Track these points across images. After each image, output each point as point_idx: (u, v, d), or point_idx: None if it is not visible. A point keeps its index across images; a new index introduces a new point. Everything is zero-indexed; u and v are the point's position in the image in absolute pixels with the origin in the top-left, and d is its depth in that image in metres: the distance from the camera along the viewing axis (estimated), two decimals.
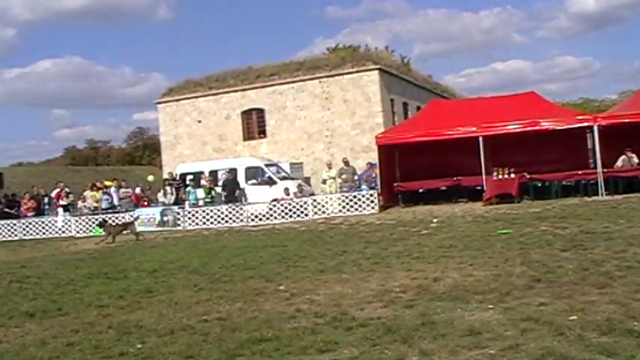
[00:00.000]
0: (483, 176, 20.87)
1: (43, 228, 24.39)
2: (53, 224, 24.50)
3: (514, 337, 5.63)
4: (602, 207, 16.93)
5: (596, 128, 20.47)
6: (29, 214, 25.57)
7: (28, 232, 24.36)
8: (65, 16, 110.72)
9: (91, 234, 22.39)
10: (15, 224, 24.75)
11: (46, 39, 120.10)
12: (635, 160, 20.66)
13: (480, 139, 20.90)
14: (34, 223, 24.66)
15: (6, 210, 26.22)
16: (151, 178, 28.34)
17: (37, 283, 11.97)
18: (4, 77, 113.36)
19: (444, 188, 22.22)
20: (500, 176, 20.78)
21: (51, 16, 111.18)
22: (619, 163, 20.83)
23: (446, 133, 21.71)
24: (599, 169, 20.35)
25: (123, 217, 22.63)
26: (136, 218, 21.57)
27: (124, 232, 19.63)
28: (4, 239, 24.07)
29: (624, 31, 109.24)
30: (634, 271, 8.04)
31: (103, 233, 19.62)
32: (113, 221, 21.47)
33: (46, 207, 26.37)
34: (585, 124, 21.02)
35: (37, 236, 23.91)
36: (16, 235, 24.24)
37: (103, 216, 22.73)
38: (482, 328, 5.98)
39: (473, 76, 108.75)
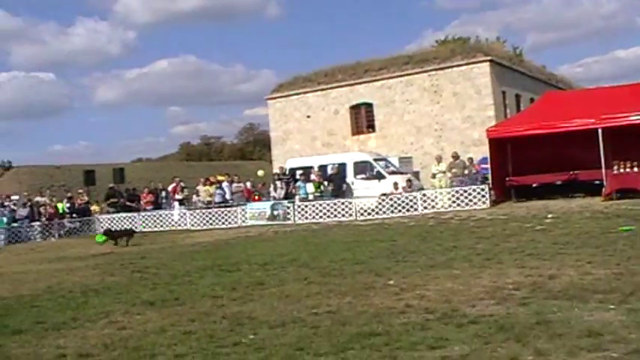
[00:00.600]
0: (603, 170, 19.90)
1: (161, 221, 25.52)
2: (170, 217, 25.57)
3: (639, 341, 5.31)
4: None
5: None
6: (148, 208, 26.78)
7: (147, 224, 25.56)
8: (180, 17, 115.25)
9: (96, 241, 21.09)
10: (135, 217, 26.02)
11: (162, 40, 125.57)
12: None
13: (599, 130, 19.90)
14: (152, 216, 25.84)
15: (127, 203, 27.62)
16: (260, 172, 28.95)
17: (156, 273, 12.52)
18: (125, 78, 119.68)
19: (559, 183, 21.36)
20: (621, 170, 19.75)
21: (167, 18, 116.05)
22: None
23: (561, 126, 20.83)
24: None
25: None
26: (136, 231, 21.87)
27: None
28: None
29: None
30: None
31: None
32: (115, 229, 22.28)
33: (164, 201, 27.51)
34: None
35: (155, 228, 25.02)
36: (136, 227, 25.46)
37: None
38: (603, 330, 5.68)
39: (591, 65, 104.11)
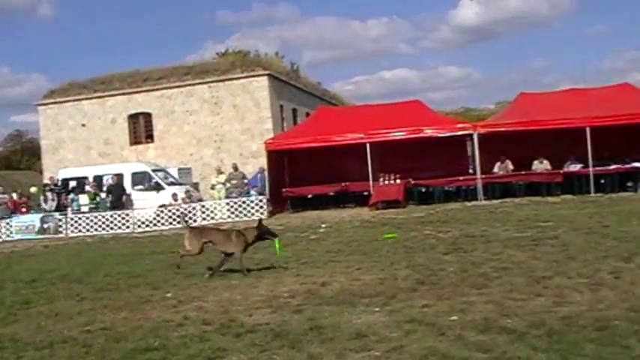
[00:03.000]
0: (370, 182, 21.35)
1: None
2: None
3: (398, 339, 5.78)
4: (480, 211, 17.75)
5: (475, 136, 21.42)
6: None
7: None
8: None
9: None
10: None
11: None
12: (510, 166, 21.79)
13: (367, 145, 21.38)
14: None
15: None
16: (33, 189, 26.94)
17: None
18: None
19: (332, 194, 22.56)
20: (386, 182, 21.33)
21: None
22: (495, 169, 21.90)
23: (334, 140, 22.07)
24: (478, 175, 21.33)
25: None
26: None
27: None
28: None
29: (500, 45, 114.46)
30: (509, 272, 8.47)
31: None
32: None
33: None
34: (466, 132, 21.97)
35: None
36: None
37: None
38: (369, 331, 6.10)
39: (361, 83, 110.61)
